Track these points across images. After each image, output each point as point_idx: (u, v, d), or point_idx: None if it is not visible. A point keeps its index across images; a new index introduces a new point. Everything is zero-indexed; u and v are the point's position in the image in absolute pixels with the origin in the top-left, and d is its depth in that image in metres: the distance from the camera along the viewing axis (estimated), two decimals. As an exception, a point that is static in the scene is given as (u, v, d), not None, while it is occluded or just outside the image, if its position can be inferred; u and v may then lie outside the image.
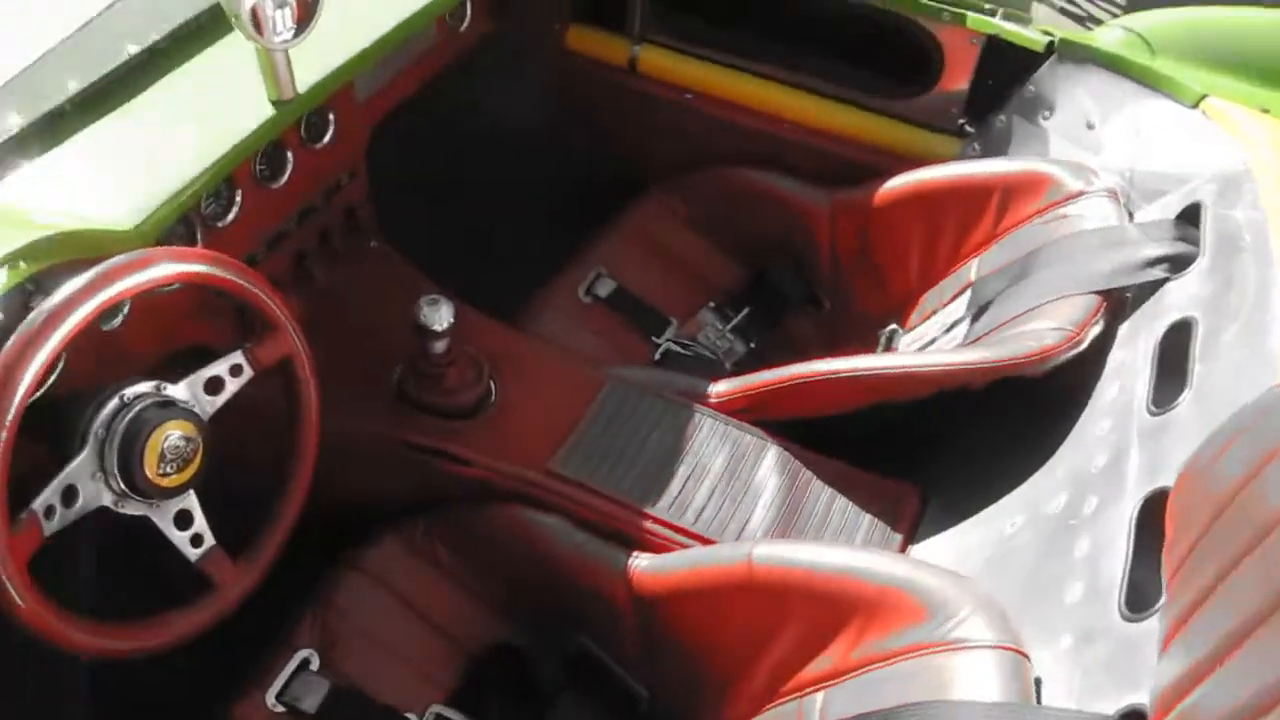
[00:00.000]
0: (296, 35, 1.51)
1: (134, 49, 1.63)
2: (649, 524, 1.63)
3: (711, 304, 2.26)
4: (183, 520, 1.38)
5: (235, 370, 1.40)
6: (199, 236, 1.59)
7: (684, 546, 1.61)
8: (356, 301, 1.92)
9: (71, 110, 1.54)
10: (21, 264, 1.26)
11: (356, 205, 1.94)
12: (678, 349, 2.16)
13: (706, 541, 1.61)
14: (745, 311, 2.25)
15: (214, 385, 1.39)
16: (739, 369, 2.12)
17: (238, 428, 1.43)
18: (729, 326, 2.23)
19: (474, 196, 2.40)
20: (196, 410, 1.34)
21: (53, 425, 1.28)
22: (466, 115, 2.29)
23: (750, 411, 1.80)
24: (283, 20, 1.48)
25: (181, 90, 1.63)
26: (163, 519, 1.36)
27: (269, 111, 1.59)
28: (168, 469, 1.30)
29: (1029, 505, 1.47)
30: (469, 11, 2.05)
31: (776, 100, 2.27)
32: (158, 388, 1.33)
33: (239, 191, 1.65)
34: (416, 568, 1.69)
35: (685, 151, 2.33)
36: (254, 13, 1.45)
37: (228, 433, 1.44)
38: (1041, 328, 1.58)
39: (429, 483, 1.74)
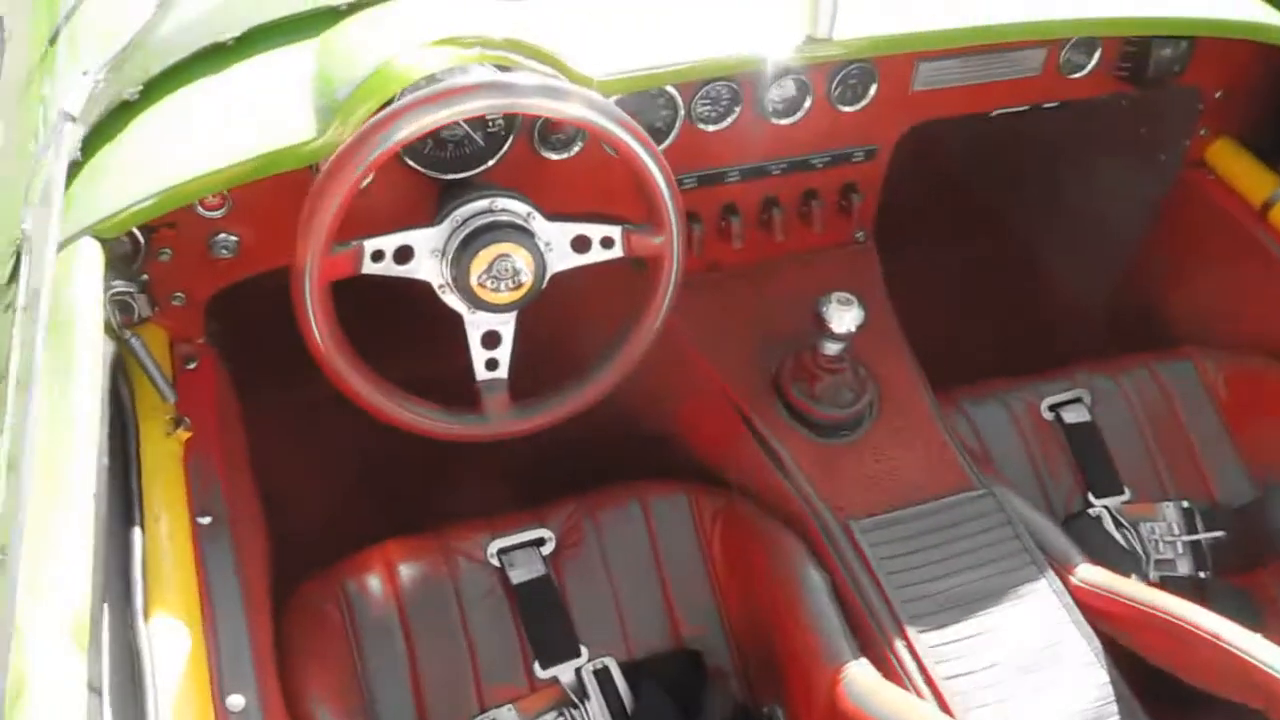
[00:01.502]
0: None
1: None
2: (900, 644, 1.35)
3: (1185, 503, 1.80)
4: (490, 340, 1.41)
5: (606, 242, 1.39)
6: (676, 127, 1.58)
7: (917, 692, 1.31)
8: (788, 271, 1.82)
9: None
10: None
11: (857, 188, 1.81)
12: (1109, 520, 1.75)
13: (945, 707, 1.30)
14: (1219, 535, 1.76)
15: (580, 244, 1.38)
16: (1161, 581, 1.67)
17: (583, 298, 1.43)
18: (1187, 537, 1.76)
19: (973, 253, 2.15)
20: (545, 252, 1.35)
21: (427, 190, 1.36)
22: (1025, 164, 2.04)
23: (1106, 619, 1.40)
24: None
25: None
26: (473, 327, 1.40)
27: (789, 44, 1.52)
28: (493, 283, 1.33)
29: None
30: (1095, 59, 1.78)
31: None
32: (528, 216, 1.35)
33: (741, 107, 1.62)
34: (686, 534, 1.59)
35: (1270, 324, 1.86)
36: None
37: (572, 299, 1.44)
38: None
39: (740, 464, 1.62)
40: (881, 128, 1.75)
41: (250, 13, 1.44)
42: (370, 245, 1.29)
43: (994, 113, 1.82)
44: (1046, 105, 1.85)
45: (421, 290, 1.38)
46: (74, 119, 1.31)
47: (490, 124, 1.47)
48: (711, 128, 1.63)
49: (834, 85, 1.65)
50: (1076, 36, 1.72)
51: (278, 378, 1.63)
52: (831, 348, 1.58)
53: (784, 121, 1.66)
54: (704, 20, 1.55)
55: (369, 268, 1.30)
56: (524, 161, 1.51)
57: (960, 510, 1.51)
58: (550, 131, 1.52)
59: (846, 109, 1.69)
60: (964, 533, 1.49)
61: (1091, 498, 1.77)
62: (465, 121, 1.46)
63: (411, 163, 1.46)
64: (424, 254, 1.33)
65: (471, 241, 1.31)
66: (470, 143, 1.49)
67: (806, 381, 1.63)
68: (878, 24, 1.56)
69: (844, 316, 1.54)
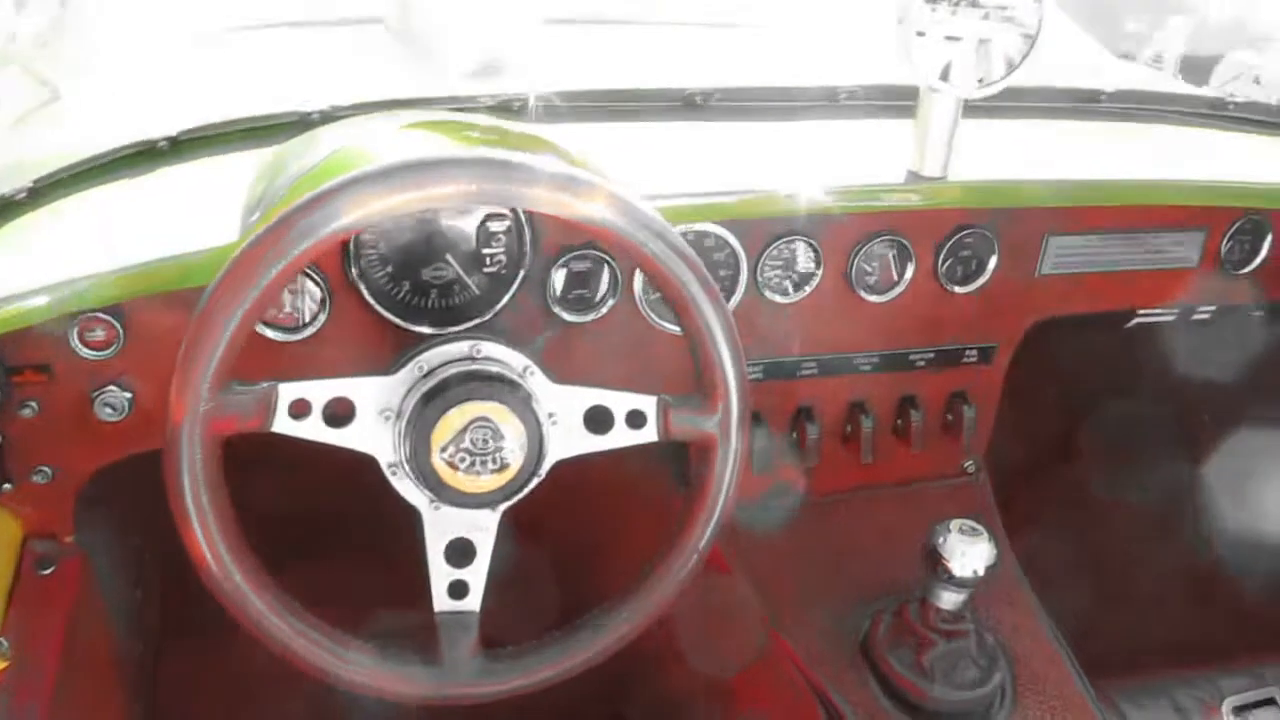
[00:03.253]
0: (984, 85, 1.08)
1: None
2: None
3: None
4: (457, 554, 0.97)
5: (635, 419, 0.97)
6: (737, 295, 1.21)
7: None
8: (877, 503, 1.37)
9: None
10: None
11: (968, 398, 1.39)
12: None
13: None
14: None
15: (597, 419, 0.97)
16: None
17: (595, 502, 1.00)
18: None
19: (1119, 491, 1.68)
20: (547, 426, 0.93)
21: (395, 343, 0.98)
22: (1189, 372, 1.62)
23: None
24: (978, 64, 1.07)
25: None
26: (434, 532, 0.96)
27: (888, 181, 1.17)
28: (464, 461, 0.90)
29: None
30: (1265, 250, 1.41)
31: None
32: (525, 371, 0.95)
33: (821, 274, 1.24)
34: None
35: None
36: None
37: (579, 503, 1.01)
38: None
39: None
40: (1001, 320, 1.36)
41: (198, 115, 1.13)
42: (288, 392, 0.89)
43: (1134, 318, 1.43)
44: (1201, 311, 1.46)
45: (363, 469, 0.96)
46: None
47: (489, 262, 1.11)
48: (782, 299, 1.25)
49: (943, 255, 1.28)
50: (1247, 212, 1.36)
51: (193, 616, 1.19)
52: (950, 598, 1.12)
53: (877, 299, 1.28)
54: (782, 153, 1.21)
55: (284, 426, 0.89)
56: (530, 322, 1.14)
57: None
58: (574, 286, 1.15)
59: (958, 289, 1.31)
60: None
61: None
62: (455, 259, 1.10)
63: (378, 306, 1.09)
64: (369, 413, 0.92)
65: (437, 396, 0.90)
66: (461, 289, 1.12)
67: (911, 649, 1.15)
68: (1001, 172, 1.21)
69: (970, 553, 1.08)
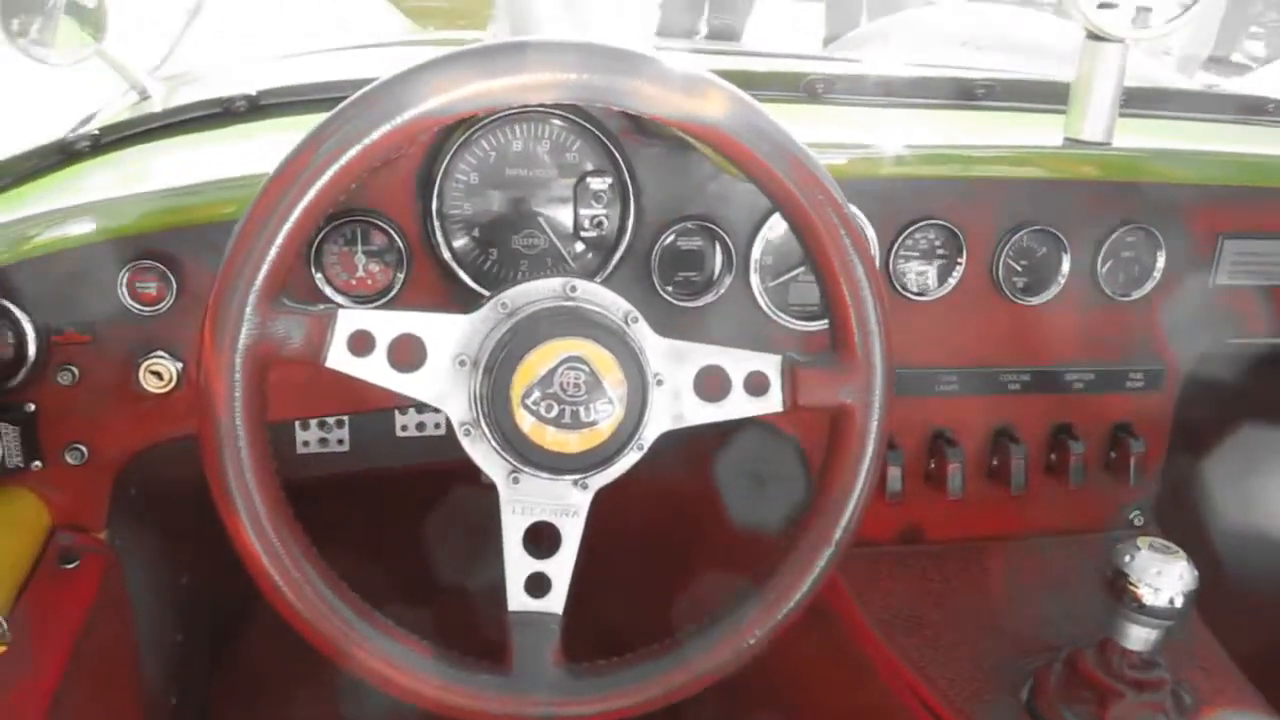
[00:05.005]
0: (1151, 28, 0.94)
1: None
2: None
3: None
4: (539, 538, 0.81)
5: (755, 383, 0.81)
6: None
7: None
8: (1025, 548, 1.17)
9: None
10: None
11: (1133, 430, 1.19)
12: None
13: None
14: None
15: (710, 382, 0.81)
16: None
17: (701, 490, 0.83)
18: None
19: None
20: (652, 386, 0.78)
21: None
22: None
23: None
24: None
25: None
26: (512, 508, 0.80)
27: (1040, 144, 1.02)
28: (549, 410, 0.75)
29: None
30: None
31: None
32: (628, 318, 0.80)
33: (964, 267, 1.09)
34: None
35: None
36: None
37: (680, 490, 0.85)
38: None
39: None
40: (1170, 338, 1.17)
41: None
42: (349, 320, 0.75)
43: None
44: None
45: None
46: None
47: (587, 226, 0.98)
48: (917, 296, 1.09)
49: (1102, 253, 1.11)
50: None
51: (234, 657, 1.04)
52: (1140, 636, 0.90)
53: (1027, 301, 1.11)
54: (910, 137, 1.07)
55: (340, 361, 0.75)
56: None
57: None
58: (681, 266, 1.02)
59: (1119, 296, 1.13)
60: None
61: None
62: (549, 225, 0.98)
63: (462, 273, 0.96)
64: (442, 358, 0.77)
65: (524, 333, 0.76)
66: (555, 261, 0.99)
67: (1092, 703, 0.92)
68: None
69: (1166, 574, 0.87)
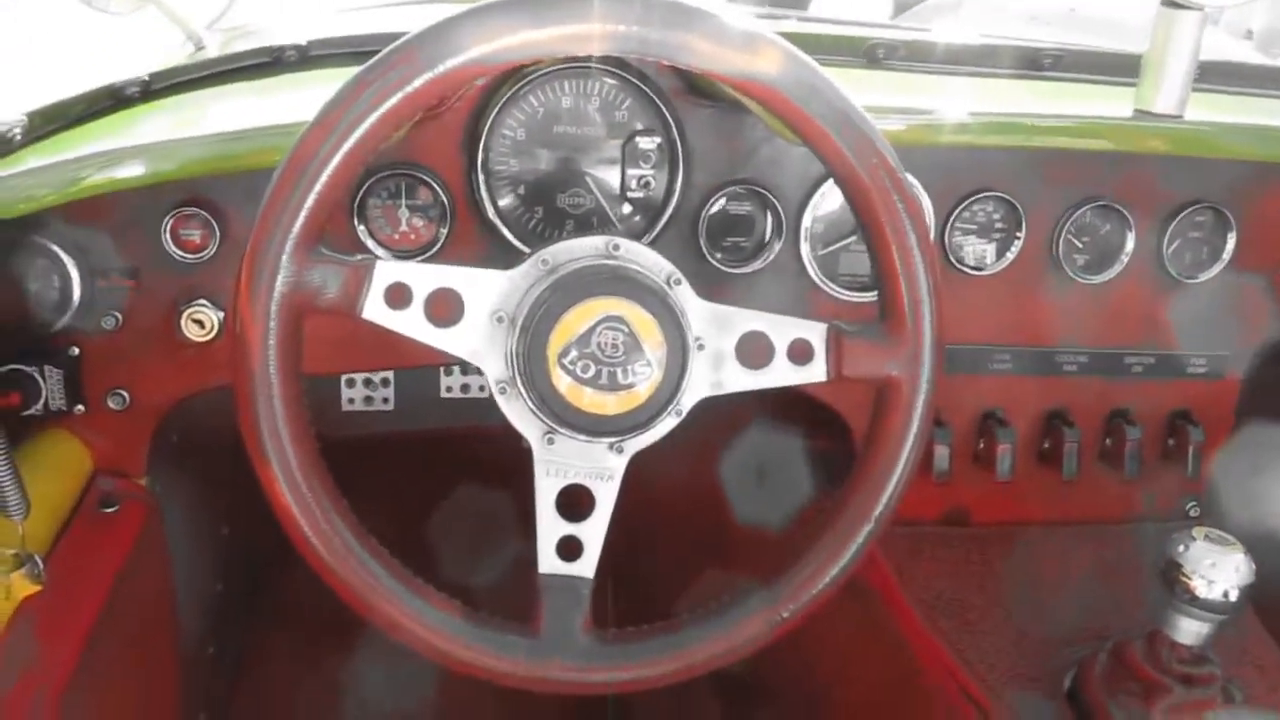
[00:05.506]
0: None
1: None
2: None
3: None
4: (572, 501, 0.79)
5: (799, 350, 0.78)
6: None
7: None
8: (1073, 537, 1.13)
9: None
10: None
11: (1192, 418, 1.15)
12: None
13: None
14: None
15: (752, 349, 0.78)
16: None
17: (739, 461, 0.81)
18: None
19: None
20: (693, 350, 0.76)
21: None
22: None
23: None
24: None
25: None
26: (546, 469, 0.79)
27: (1109, 116, 0.98)
28: (586, 370, 0.74)
29: None
30: None
31: None
32: (670, 279, 0.78)
33: (1023, 241, 1.05)
34: None
35: None
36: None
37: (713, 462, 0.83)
38: None
39: None
40: (1236, 325, 1.13)
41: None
42: (387, 272, 0.74)
43: None
44: None
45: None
46: None
47: (635, 186, 0.96)
48: (974, 270, 1.06)
49: (1169, 232, 1.07)
50: None
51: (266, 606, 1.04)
52: (1191, 629, 0.87)
53: (1088, 279, 1.07)
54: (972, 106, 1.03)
55: (376, 313, 0.74)
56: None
57: None
58: (730, 231, 1.00)
59: (1184, 278, 1.09)
60: None
61: None
62: (596, 185, 0.96)
63: (506, 231, 0.95)
64: (480, 314, 0.76)
65: (563, 291, 0.74)
66: (601, 222, 0.98)
67: (1137, 696, 0.89)
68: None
69: (1222, 566, 0.84)
